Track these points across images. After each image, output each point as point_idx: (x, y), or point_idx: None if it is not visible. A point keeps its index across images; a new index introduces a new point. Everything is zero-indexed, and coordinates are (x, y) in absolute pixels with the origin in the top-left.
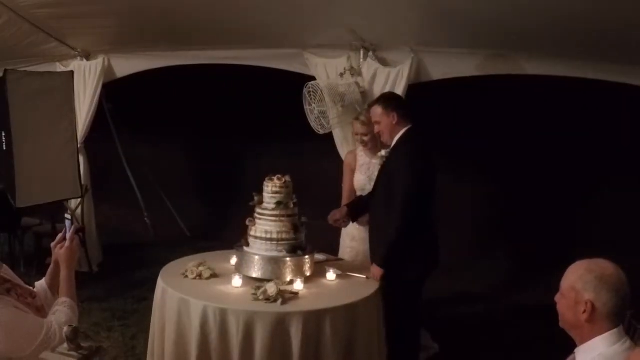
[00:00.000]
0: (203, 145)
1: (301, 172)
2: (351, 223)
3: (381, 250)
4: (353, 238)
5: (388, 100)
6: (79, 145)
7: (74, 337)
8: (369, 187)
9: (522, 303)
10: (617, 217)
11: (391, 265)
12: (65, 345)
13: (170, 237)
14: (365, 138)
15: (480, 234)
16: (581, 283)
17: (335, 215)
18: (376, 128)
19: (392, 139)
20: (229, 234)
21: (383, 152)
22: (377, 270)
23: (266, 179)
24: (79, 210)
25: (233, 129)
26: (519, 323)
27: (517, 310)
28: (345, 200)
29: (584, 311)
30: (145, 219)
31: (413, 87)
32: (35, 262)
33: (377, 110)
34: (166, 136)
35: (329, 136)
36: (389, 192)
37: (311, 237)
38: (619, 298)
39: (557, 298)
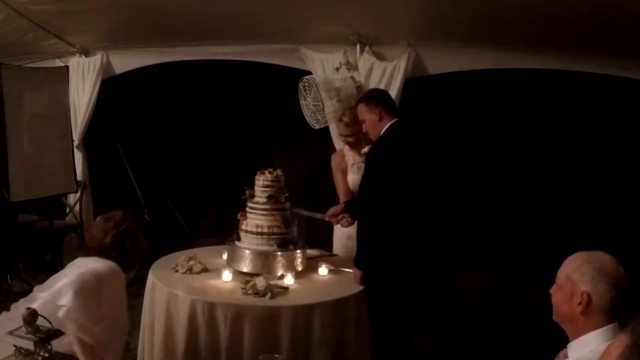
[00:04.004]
0: (203, 142)
1: (302, 168)
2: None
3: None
4: (349, 237)
5: (370, 96)
6: (76, 142)
7: (32, 320)
8: None
9: (519, 301)
10: (613, 216)
11: (369, 265)
12: (23, 328)
13: (170, 235)
14: (350, 139)
15: (478, 231)
16: (578, 274)
17: (332, 211)
18: (363, 127)
19: (378, 135)
20: (229, 231)
21: (366, 149)
22: (355, 272)
23: (257, 172)
24: (77, 207)
25: (234, 125)
26: (515, 321)
27: (514, 307)
28: (341, 198)
29: (580, 303)
30: (145, 216)
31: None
32: (33, 258)
33: (362, 109)
34: (166, 133)
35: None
36: (363, 190)
37: (307, 234)
38: (617, 292)
39: (553, 290)
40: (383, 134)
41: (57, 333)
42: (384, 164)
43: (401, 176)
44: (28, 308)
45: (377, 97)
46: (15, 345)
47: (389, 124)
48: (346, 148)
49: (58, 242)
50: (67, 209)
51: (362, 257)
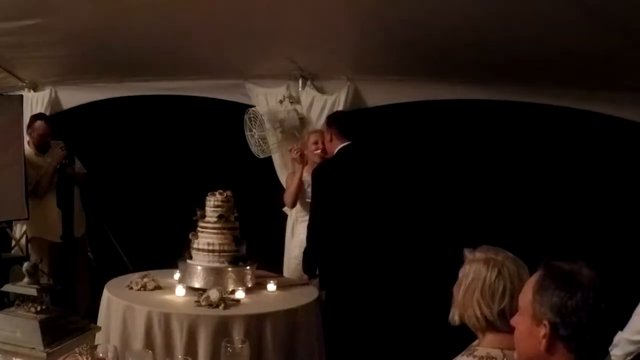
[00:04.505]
0: (149, 180)
1: (244, 208)
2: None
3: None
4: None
5: (328, 118)
6: None
7: (33, 272)
8: None
9: None
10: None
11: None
12: (26, 279)
13: (113, 272)
14: (322, 146)
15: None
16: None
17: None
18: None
19: (332, 155)
20: (172, 266)
21: None
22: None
23: (208, 193)
24: (23, 240)
25: (179, 162)
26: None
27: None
28: (289, 197)
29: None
30: (89, 253)
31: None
32: None
33: (323, 128)
34: (111, 169)
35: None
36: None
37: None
38: None
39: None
40: (334, 155)
41: (54, 286)
42: (322, 183)
43: (337, 193)
44: (29, 261)
45: (331, 120)
46: (16, 296)
47: (339, 147)
48: (304, 171)
49: (4, 274)
50: (13, 242)
51: (303, 263)
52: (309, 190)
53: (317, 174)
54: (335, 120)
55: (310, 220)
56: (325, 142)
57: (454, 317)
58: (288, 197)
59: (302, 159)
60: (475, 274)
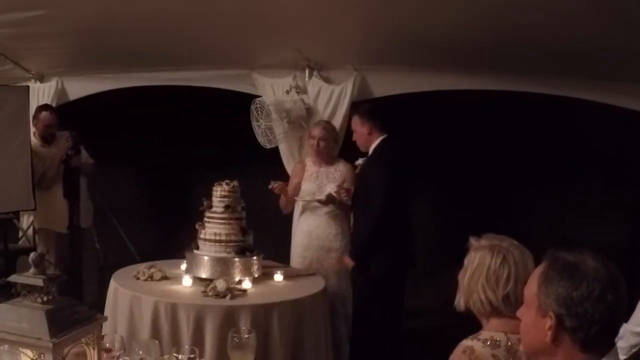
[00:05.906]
0: (155, 171)
1: (250, 198)
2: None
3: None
4: (306, 248)
5: (364, 111)
6: None
7: (39, 262)
8: (319, 195)
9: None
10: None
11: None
12: (32, 269)
13: (120, 262)
14: (322, 143)
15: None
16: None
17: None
18: (354, 136)
19: (368, 147)
20: (179, 257)
21: (360, 161)
22: (348, 260)
23: (215, 183)
24: (30, 231)
25: (185, 154)
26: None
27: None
28: (284, 202)
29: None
30: (96, 244)
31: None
32: None
33: (356, 120)
34: (117, 160)
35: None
36: (366, 197)
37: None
38: None
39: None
40: (376, 147)
41: (61, 276)
42: (381, 174)
43: (395, 184)
44: (35, 252)
45: (369, 113)
46: (23, 287)
47: (379, 140)
48: (309, 159)
49: (11, 265)
50: (20, 233)
51: (358, 252)
52: (301, 187)
53: (376, 167)
54: (374, 114)
55: (374, 211)
56: (359, 135)
57: (459, 302)
58: (282, 205)
59: (283, 192)
60: (480, 260)
